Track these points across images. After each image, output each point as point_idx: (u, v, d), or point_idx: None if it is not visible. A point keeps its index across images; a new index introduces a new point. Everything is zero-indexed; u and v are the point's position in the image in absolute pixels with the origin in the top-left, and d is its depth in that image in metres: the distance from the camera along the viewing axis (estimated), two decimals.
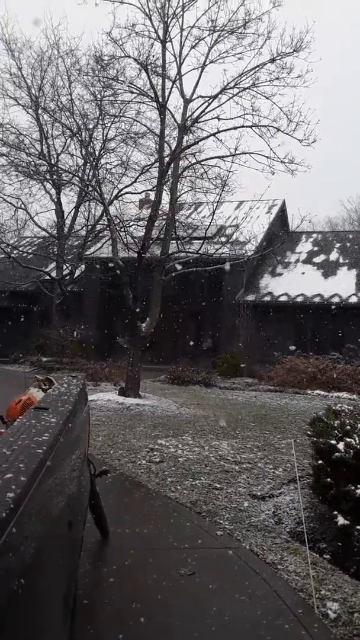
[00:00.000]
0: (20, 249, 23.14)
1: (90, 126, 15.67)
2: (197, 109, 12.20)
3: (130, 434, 7.84)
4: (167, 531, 4.24)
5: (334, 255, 21.47)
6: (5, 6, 37.67)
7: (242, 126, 12.19)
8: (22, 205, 20.93)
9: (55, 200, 21.13)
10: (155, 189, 13.04)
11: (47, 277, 21.24)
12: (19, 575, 0.90)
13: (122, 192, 18.24)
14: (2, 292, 22.33)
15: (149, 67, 11.86)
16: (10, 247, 21.48)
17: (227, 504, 4.83)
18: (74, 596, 1.87)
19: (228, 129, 12.30)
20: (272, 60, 11.73)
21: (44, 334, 19.51)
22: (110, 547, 3.85)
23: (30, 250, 23.97)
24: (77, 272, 21.64)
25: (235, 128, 12.25)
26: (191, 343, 20.25)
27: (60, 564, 1.45)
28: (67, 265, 21.16)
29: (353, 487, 3.92)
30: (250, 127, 12.19)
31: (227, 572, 3.56)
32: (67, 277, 21.08)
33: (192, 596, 3.18)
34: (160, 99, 11.87)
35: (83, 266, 21.89)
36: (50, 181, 20.09)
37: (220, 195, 13.10)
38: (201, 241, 13.47)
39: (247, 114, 12.14)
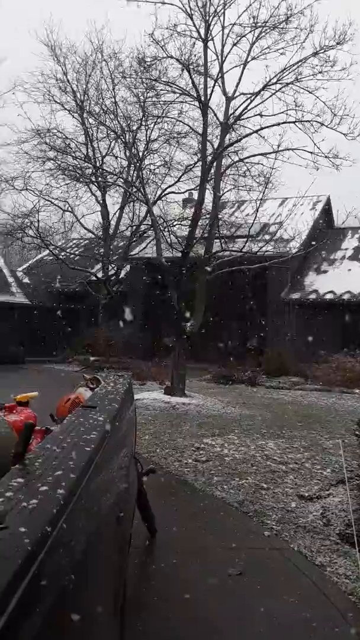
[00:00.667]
0: (68, 250, 23.57)
1: (134, 128, 15.82)
2: (239, 106, 12.15)
3: (176, 432, 7.87)
4: (214, 531, 4.24)
5: None
6: (50, 12, 38.50)
7: (285, 122, 12.06)
8: (69, 208, 21.32)
9: (101, 202, 21.43)
10: (198, 188, 13.05)
11: (94, 278, 21.57)
12: (69, 570, 0.92)
13: (165, 192, 18.34)
14: (51, 294, 22.81)
15: (191, 67, 11.89)
16: (58, 249, 21.92)
17: (274, 505, 4.79)
18: (123, 592, 1.89)
19: (271, 126, 12.19)
20: (315, 54, 11.55)
21: (91, 333, 19.81)
22: (157, 545, 3.87)
23: (77, 252, 24.40)
24: (123, 273, 21.89)
25: (278, 124, 12.12)
26: (236, 342, 20.15)
27: (109, 560, 1.48)
28: (113, 265, 21.43)
29: None
30: (294, 122, 12.05)
31: (275, 573, 3.53)
32: (113, 277, 21.34)
33: (240, 596, 3.17)
34: (203, 98, 11.87)
35: (128, 266, 22.13)
36: (95, 183, 20.39)
37: (264, 192, 13.01)
38: (245, 239, 13.40)
39: (290, 109, 12.01)
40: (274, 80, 11.81)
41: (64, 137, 18.90)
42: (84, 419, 1.67)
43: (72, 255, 23.31)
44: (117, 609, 1.62)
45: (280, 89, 11.87)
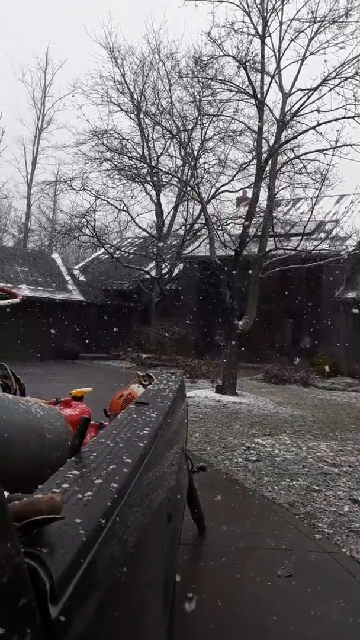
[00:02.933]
0: (122, 249, 23.92)
1: (189, 127, 15.88)
2: (296, 102, 11.96)
3: (227, 431, 7.86)
4: (264, 531, 4.21)
5: None
6: (109, 15, 39.13)
7: (344, 117, 11.76)
8: (125, 207, 21.64)
9: (155, 201, 21.63)
10: (252, 186, 12.95)
11: (147, 276, 21.79)
12: (121, 563, 0.95)
13: (219, 191, 18.32)
14: (106, 291, 23.22)
15: (248, 64, 11.80)
16: (113, 247, 22.28)
17: (326, 507, 4.71)
18: (173, 587, 1.91)
19: (328, 121, 11.92)
20: None
21: (144, 331, 20.04)
22: (207, 543, 3.89)
23: (131, 251, 24.73)
24: (176, 271, 22.02)
25: (336, 120, 11.84)
26: (288, 341, 19.89)
27: (160, 555, 1.50)
28: (166, 264, 21.58)
29: None
30: (353, 117, 11.74)
31: (325, 576, 3.48)
32: (166, 275, 21.50)
33: (289, 598, 3.14)
34: (259, 95, 11.76)
35: (181, 265, 22.23)
36: (150, 183, 20.61)
37: (320, 190, 12.76)
38: (299, 238, 13.19)
39: (349, 104, 11.69)
40: (333, 75, 11.55)
41: (120, 137, 19.22)
42: (137, 415, 1.70)
43: (126, 254, 23.63)
44: (167, 604, 1.64)
45: (339, 83, 11.60)
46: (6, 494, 0.82)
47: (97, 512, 0.88)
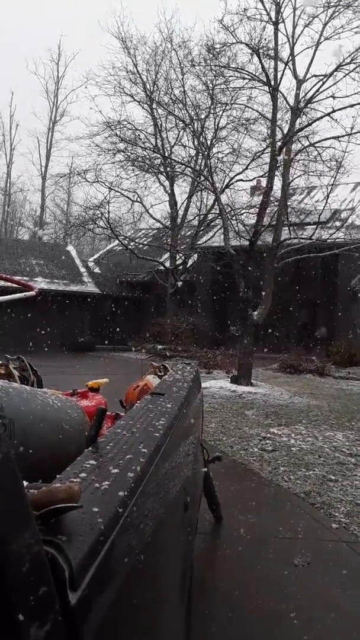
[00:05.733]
0: (136, 240, 23.94)
1: (202, 116, 15.79)
2: (310, 89, 11.81)
3: (243, 421, 7.86)
4: (280, 520, 4.22)
5: None
6: (121, 4, 38.94)
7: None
8: (138, 199, 21.62)
9: (169, 191, 21.57)
10: (266, 175, 12.84)
11: (161, 267, 21.79)
12: (139, 551, 0.96)
13: (233, 180, 18.20)
14: (120, 283, 23.28)
15: (261, 51, 11.67)
16: (127, 239, 22.31)
17: (342, 497, 4.70)
18: (190, 576, 1.93)
19: (344, 107, 11.75)
20: None
21: (159, 322, 20.08)
22: (223, 533, 3.91)
23: (145, 242, 24.73)
24: (190, 262, 21.98)
25: (351, 106, 11.66)
26: (304, 331, 19.80)
27: (177, 543, 1.51)
28: (180, 255, 21.55)
29: None
30: None
31: (343, 565, 3.48)
32: (180, 266, 21.48)
33: (307, 587, 3.15)
34: (272, 82, 11.64)
35: (195, 256, 22.18)
36: (164, 173, 20.55)
37: (335, 177, 12.61)
38: (314, 226, 13.07)
39: None
40: (348, 60, 11.39)
41: (133, 128, 19.16)
42: (152, 405, 1.71)
43: (140, 245, 23.64)
44: (184, 592, 1.66)
45: (354, 69, 11.42)
46: (25, 483, 0.83)
47: (114, 501, 0.89)
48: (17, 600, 0.56)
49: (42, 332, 17.75)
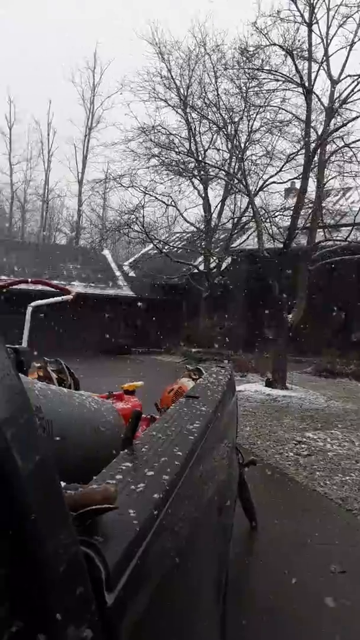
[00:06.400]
0: (171, 244, 24.01)
1: (236, 119, 15.73)
2: (345, 89, 11.66)
3: (278, 425, 7.79)
4: (316, 526, 4.16)
5: None
6: (155, 11, 39.32)
7: None
8: (173, 203, 21.68)
9: (203, 195, 21.57)
10: (301, 176, 12.72)
11: (196, 271, 21.80)
12: (174, 554, 0.96)
13: (267, 183, 18.05)
14: (155, 286, 23.38)
15: (295, 53, 11.59)
16: (161, 242, 22.41)
17: None
18: (226, 580, 1.92)
19: None
20: None
21: (193, 325, 20.08)
22: (258, 538, 3.88)
23: (179, 245, 24.79)
24: (224, 265, 21.92)
25: None
26: (340, 334, 19.47)
27: (212, 548, 1.51)
28: (214, 258, 21.52)
29: None
30: None
31: None
32: (214, 269, 21.44)
33: (344, 595, 3.09)
34: (307, 83, 11.54)
35: (230, 258, 22.11)
36: (198, 177, 20.56)
37: None
38: (350, 228, 12.87)
39: None
40: None
41: (167, 133, 19.23)
42: (187, 408, 1.71)
43: (175, 249, 23.71)
44: (219, 596, 1.66)
45: None
46: (62, 484, 0.84)
47: (149, 503, 0.90)
48: (55, 599, 0.57)
49: (79, 335, 17.99)
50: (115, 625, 0.67)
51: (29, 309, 3.08)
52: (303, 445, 6.53)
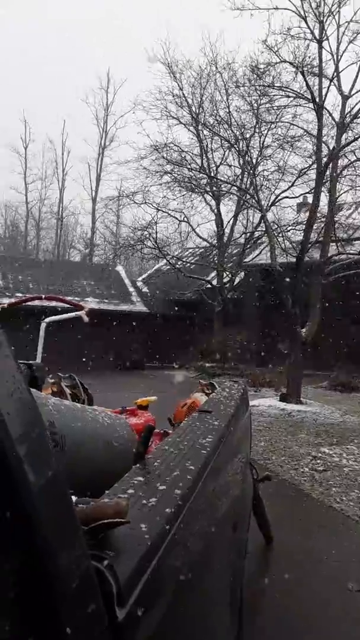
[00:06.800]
0: (184, 259, 24.11)
1: (248, 135, 15.84)
2: (356, 104, 11.71)
3: (292, 440, 7.72)
4: (333, 543, 4.10)
5: None
6: (167, 31, 39.94)
7: None
8: (185, 218, 21.82)
9: (215, 211, 21.68)
10: (313, 191, 12.74)
11: (209, 286, 21.83)
12: (187, 570, 0.96)
13: (279, 198, 18.10)
14: (168, 302, 23.44)
15: (305, 69, 11.67)
16: (174, 258, 22.52)
17: None
18: (241, 597, 1.90)
19: None
20: None
21: (207, 340, 20.05)
22: (273, 554, 3.83)
23: (192, 261, 24.87)
24: (237, 280, 21.93)
25: None
26: (355, 348, 19.29)
27: (226, 563, 1.50)
28: (227, 273, 21.55)
29: None
30: None
31: None
32: (227, 284, 21.46)
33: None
34: (317, 99, 11.60)
35: (242, 273, 22.13)
36: (210, 193, 20.69)
37: None
38: None
39: None
40: None
41: (179, 150, 19.41)
42: (200, 422, 1.71)
43: (188, 264, 23.79)
44: (234, 612, 1.64)
45: None
46: (74, 498, 0.85)
47: (161, 518, 0.89)
48: (66, 614, 0.57)
49: (93, 351, 18.01)
50: None
51: (43, 325, 3.11)
52: (319, 461, 6.46)
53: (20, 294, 17.88)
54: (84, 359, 15.89)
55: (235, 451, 1.97)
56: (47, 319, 3.11)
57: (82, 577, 0.61)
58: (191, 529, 1.03)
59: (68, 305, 3.69)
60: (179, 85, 19.69)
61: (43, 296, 3.72)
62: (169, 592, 0.86)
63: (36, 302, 3.95)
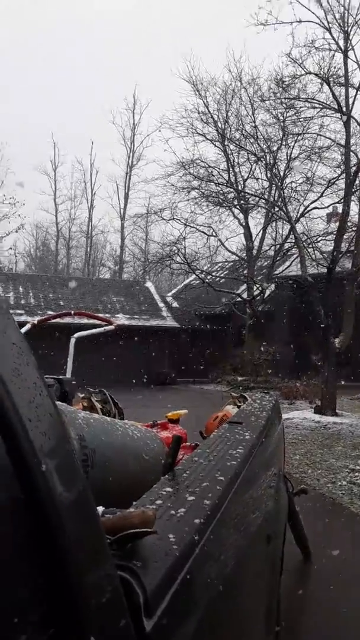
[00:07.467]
0: (213, 274, 24.13)
1: (274, 148, 15.85)
2: None
3: (329, 453, 7.56)
4: None
5: None
6: (191, 50, 40.49)
7: None
8: (213, 233, 21.87)
9: (243, 224, 21.68)
10: (342, 201, 12.63)
11: (239, 299, 21.76)
12: (218, 582, 0.94)
13: (308, 209, 18.01)
14: (199, 316, 23.44)
15: (331, 79, 11.67)
16: (204, 273, 22.55)
17: None
18: (277, 613, 1.85)
19: None
20: None
21: (238, 354, 19.93)
22: (312, 570, 3.73)
23: (222, 275, 24.86)
24: (267, 292, 21.81)
25: None
26: None
27: (260, 576, 1.47)
28: (257, 285, 21.46)
29: None
30: None
31: None
32: (258, 297, 21.35)
33: None
34: (344, 109, 11.55)
35: (273, 285, 22.00)
36: (238, 207, 20.71)
37: None
38: None
39: None
40: None
41: (206, 166, 19.54)
42: (230, 434, 1.69)
43: (217, 278, 23.79)
44: (270, 627, 1.59)
45: None
46: (101, 509, 0.84)
47: (190, 528, 0.88)
48: (92, 624, 0.56)
49: (124, 366, 18.12)
50: None
51: (72, 340, 3.14)
52: (357, 474, 6.30)
53: (51, 312, 18.16)
54: (115, 375, 15.99)
55: (267, 463, 1.94)
56: (77, 334, 3.13)
57: (108, 589, 0.61)
58: (222, 541, 1.02)
59: (98, 321, 3.72)
60: (204, 102, 19.88)
61: (72, 312, 3.76)
62: (199, 603, 0.84)
63: (67, 320, 4.00)
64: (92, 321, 3.87)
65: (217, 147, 20.57)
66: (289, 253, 20.79)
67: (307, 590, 3.48)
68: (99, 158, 64.92)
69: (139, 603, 0.66)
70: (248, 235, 21.72)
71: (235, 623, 1.10)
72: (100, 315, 4.30)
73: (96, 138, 56.18)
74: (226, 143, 19.87)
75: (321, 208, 18.53)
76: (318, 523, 4.53)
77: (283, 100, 12.96)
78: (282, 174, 16.85)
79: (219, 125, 20.06)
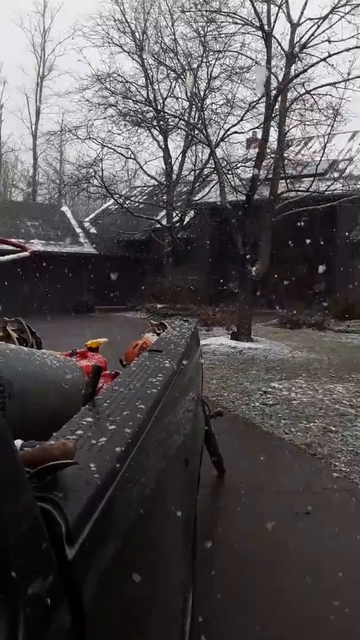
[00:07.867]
0: (132, 198, 23.61)
1: (195, 65, 15.30)
2: (305, 33, 11.41)
3: (244, 377, 7.93)
4: (282, 472, 4.30)
5: None
6: None
7: (356, 47, 11.23)
8: (132, 155, 21.20)
9: (163, 146, 21.13)
10: (262, 126, 12.54)
11: (158, 226, 21.55)
12: (138, 505, 0.96)
13: (228, 133, 17.76)
14: (117, 243, 23.07)
15: None
16: (122, 197, 21.99)
17: (343, 447, 4.78)
18: (194, 526, 1.97)
19: (340, 52, 11.37)
20: None
21: (158, 281, 20.00)
22: (226, 485, 3.98)
23: (141, 200, 24.38)
24: (187, 219, 21.73)
25: (347, 50, 11.29)
26: (303, 286, 19.72)
27: (178, 496, 1.53)
28: (177, 212, 21.28)
29: None
30: None
31: (344, 513, 3.56)
32: (177, 224, 21.24)
33: (307, 536, 3.23)
34: (266, 27, 11.22)
35: (192, 212, 21.91)
36: (157, 127, 20.06)
37: (332, 126, 12.34)
38: (312, 178, 12.85)
39: None
40: (343, 1, 10.96)
41: (124, 80, 18.58)
42: (149, 362, 1.71)
43: (136, 204, 23.33)
44: (188, 541, 1.69)
45: (349, 11, 11.02)
46: (20, 442, 0.83)
47: (111, 457, 0.89)
48: (13, 557, 0.56)
49: (40, 294, 17.70)
50: (77, 578, 0.66)
51: None
52: (269, 395, 6.68)
53: None
54: (31, 303, 15.61)
55: (186, 389, 1.99)
56: None
57: (27, 520, 0.60)
58: (142, 467, 1.04)
59: (10, 247, 3.54)
60: (120, 9, 18.63)
61: None
62: (121, 528, 0.87)
63: None
64: (3, 246, 3.67)
65: (135, 60, 19.58)
66: (208, 179, 20.65)
67: (219, 501, 3.73)
68: (6, 66, 59.91)
69: (61, 533, 0.67)
70: (167, 158, 21.25)
71: (156, 540, 1.15)
72: (14, 240, 4.08)
73: (2, 43, 51.50)
74: (144, 56, 18.93)
75: (241, 133, 18.36)
76: (233, 442, 4.80)
77: (204, 12, 12.38)
78: (202, 94, 16.36)
79: (137, 36, 19.02)
